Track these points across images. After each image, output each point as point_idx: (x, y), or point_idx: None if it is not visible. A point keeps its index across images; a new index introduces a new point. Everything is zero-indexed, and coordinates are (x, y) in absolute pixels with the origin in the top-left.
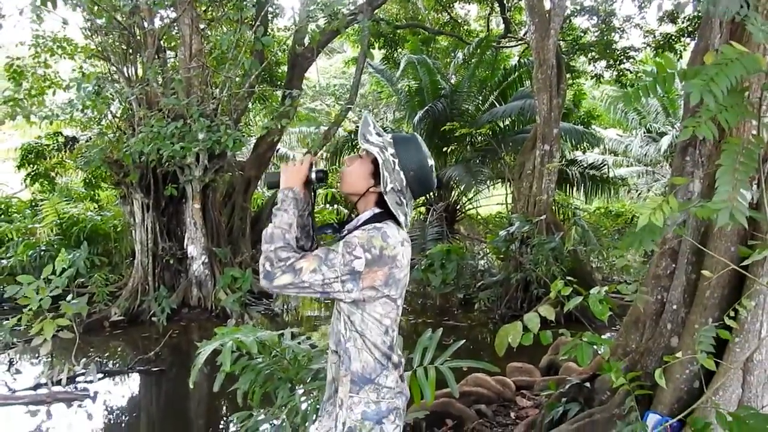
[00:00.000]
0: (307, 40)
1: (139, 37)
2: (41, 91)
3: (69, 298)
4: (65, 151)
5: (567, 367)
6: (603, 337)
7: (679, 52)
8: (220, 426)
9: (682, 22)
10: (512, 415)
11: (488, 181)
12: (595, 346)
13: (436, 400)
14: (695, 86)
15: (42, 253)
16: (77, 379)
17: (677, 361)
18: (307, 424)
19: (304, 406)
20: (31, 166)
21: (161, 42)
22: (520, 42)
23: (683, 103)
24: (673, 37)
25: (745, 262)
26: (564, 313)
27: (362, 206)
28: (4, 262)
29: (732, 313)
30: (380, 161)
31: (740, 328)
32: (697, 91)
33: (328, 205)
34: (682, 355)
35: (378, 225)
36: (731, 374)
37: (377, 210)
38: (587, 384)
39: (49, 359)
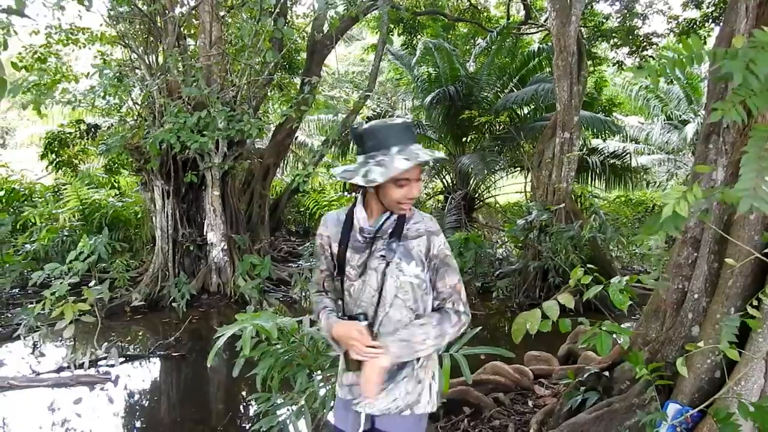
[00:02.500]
0: (326, 28)
1: (159, 25)
2: (54, 81)
3: (91, 283)
4: (87, 139)
5: (586, 356)
6: (623, 326)
7: (703, 38)
8: (240, 410)
9: (707, 7)
10: (530, 403)
11: (507, 170)
12: (614, 336)
13: (453, 388)
14: (736, 68)
15: (64, 238)
16: (99, 363)
17: (698, 351)
18: (325, 409)
19: (322, 392)
20: (54, 154)
21: (182, 29)
22: (540, 28)
23: (707, 90)
24: (698, 23)
25: None
26: (583, 302)
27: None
28: (28, 246)
29: (755, 303)
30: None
31: (763, 318)
32: (739, 72)
33: (345, 193)
34: (703, 344)
35: (420, 212)
36: (754, 364)
37: None
38: (606, 373)
39: (72, 343)
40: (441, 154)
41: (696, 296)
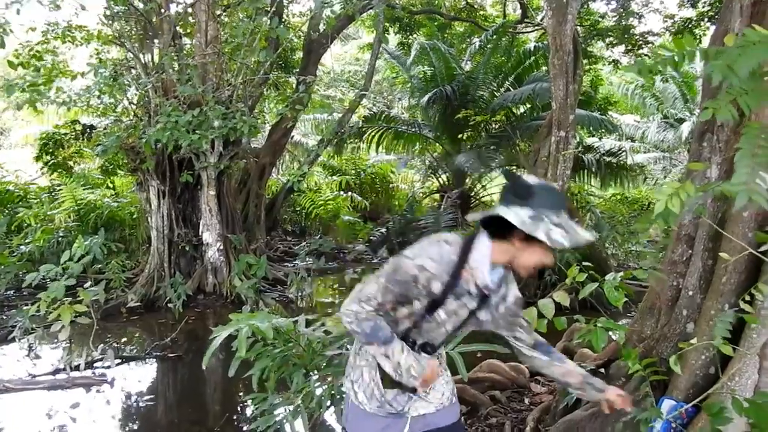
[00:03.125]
0: (322, 27)
1: (155, 24)
2: (49, 79)
3: (87, 284)
4: (83, 140)
5: (581, 353)
6: (618, 323)
7: (698, 37)
8: (237, 411)
9: (703, 6)
10: (526, 401)
11: (503, 168)
12: (609, 332)
13: None
14: (717, 67)
15: (60, 239)
16: (95, 364)
17: (693, 347)
18: (321, 409)
19: (318, 391)
20: (49, 155)
21: (177, 28)
22: (537, 27)
23: (702, 88)
24: (693, 22)
25: (763, 248)
26: (579, 300)
27: None
28: (23, 248)
29: (748, 298)
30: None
31: (757, 314)
32: (719, 71)
33: (342, 192)
34: (697, 341)
35: None
36: (747, 360)
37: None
38: (602, 370)
39: (68, 345)
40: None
41: (690, 293)
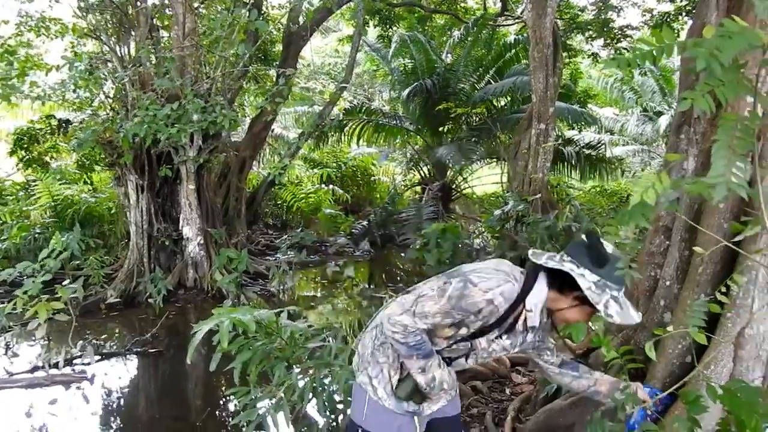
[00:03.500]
0: (301, 19)
1: (131, 16)
2: (23, 73)
3: (65, 281)
4: (59, 135)
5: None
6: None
7: (676, 31)
8: (219, 405)
9: (680, 0)
10: (507, 391)
11: (483, 161)
12: (589, 323)
13: None
14: (700, 54)
15: (36, 235)
16: (75, 361)
17: (669, 336)
18: (304, 402)
19: (301, 384)
20: (24, 150)
21: (154, 21)
22: (517, 20)
23: (679, 81)
24: (671, 16)
25: (737, 238)
26: None
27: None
28: None
29: (724, 289)
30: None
31: (732, 304)
32: (703, 58)
33: (323, 185)
34: (674, 330)
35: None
36: (723, 348)
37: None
38: (581, 360)
39: (46, 342)
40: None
41: (668, 283)
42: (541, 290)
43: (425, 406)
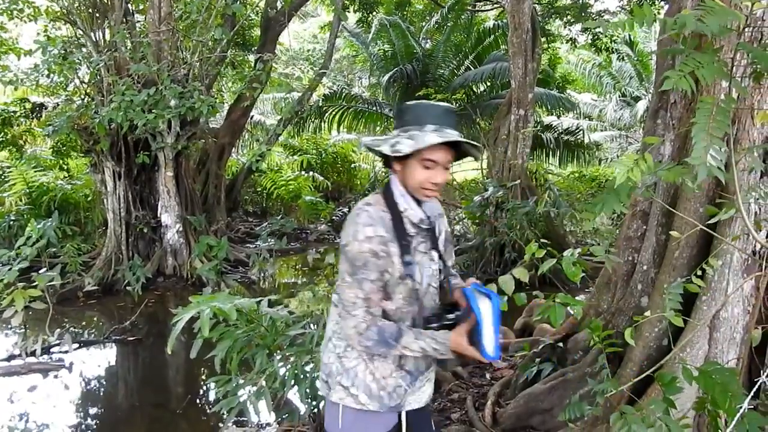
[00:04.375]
0: (279, 4)
1: (106, 0)
2: None
3: (42, 269)
4: (33, 119)
5: (541, 329)
6: (576, 298)
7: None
8: (200, 393)
9: None
10: (487, 376)
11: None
12: (568, 308)
13: None
14: (688, 19)
15: (11, 223)
16: (52, 349)
17: (646, 320)
18: (285, 389)
19: (282, 371)
20: None
21: (129, 5)
22: (495, 5)
23: (656, 66)
24: (648, 1)
25: (712, 221)
26: (538, 276)
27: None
28: None
29: (699, 272)
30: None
31: (707, 287)
32: (691, 23)
33: (303, 172)
34: (651, 314)
35: None
36: (698, 331)
37: None
38: (560, 344)
39: (23, 330)
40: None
41: (645, 268)
42: (394, 184)
43: (406, 399)
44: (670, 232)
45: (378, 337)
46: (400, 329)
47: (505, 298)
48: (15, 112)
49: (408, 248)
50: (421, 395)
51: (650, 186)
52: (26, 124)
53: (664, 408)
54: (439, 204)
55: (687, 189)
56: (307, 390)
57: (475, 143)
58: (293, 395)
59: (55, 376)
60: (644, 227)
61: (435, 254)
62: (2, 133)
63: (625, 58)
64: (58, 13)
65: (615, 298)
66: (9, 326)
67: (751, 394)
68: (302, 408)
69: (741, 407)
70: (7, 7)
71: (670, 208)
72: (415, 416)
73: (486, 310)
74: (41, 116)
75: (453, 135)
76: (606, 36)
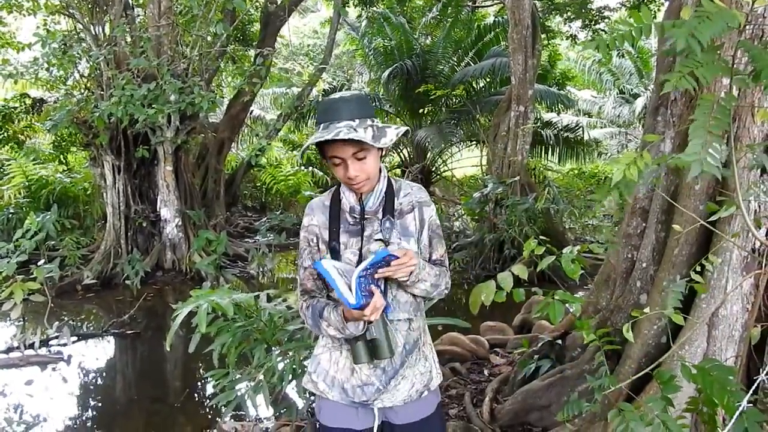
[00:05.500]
0: None
1: None
2: None
3: (40, 262)
4: (33, 114)
5: (539, 326)
6: (575, 295)
7: (653, 12)
8: (197, 386)
9: None
10: (486, 372)
11: (463, 143)
12: (566, 305)
13: None
14: (680, 34)
15: (10, 216)
16: (51, 342)
17: (645, 317)
18: (283, 383)
19: (280, 366)
20: None
21: None
22: (496, 2)
23: (656, 63)
24: None
25: (712, 218)
26: (537, 273)
27: (375, 182)
28: None
29: (698, 269)
30: (388, 142)
31: (706, 284)
32: (683, 38)
33: (302, 167)
34: (650, 311)
35: (408, 181)
36: (697, 329)
37: (384, 172)
38: (559, 341)
39: (22, 323)
40: (362, 136)
41: (644, 265)
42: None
43: (376, 397)
44: (673, 226)
45: (312, 320)
46: (326, 305)
47: (504, 293)
48: (15, 108)
49: (336, 234)
50: (395, 393)
51: (653, 180)
52: (27, 119)
53: (662, 406)
54: (421, 194)
55: (687, 186)
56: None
57: (360, 137)
58: (291, 390)
59: (54, 369)
60: (644, 225)
61: (405, 245)
62: (3, 130)
63: (625, 54)
64: (58, 7)
65: (614, 295)
66: (8, 319)
67: (750, 391)
68: (300, 403)
69: (740, 405)
70: (7, 1)
71: (673, 202)
72: (418, 428)
73: (328, 266)
74: (41, 111)
75: (334, 131)
76: (606, 33)
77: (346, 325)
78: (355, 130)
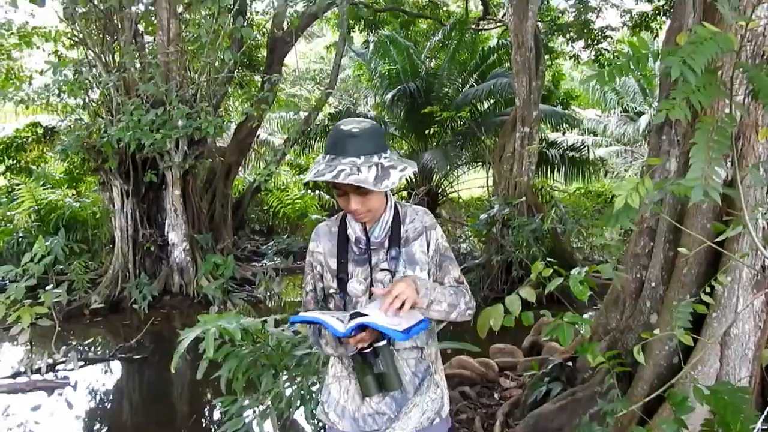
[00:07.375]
0: (286, 25)
1: (116, 22)
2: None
3: (49, 286)
4: (44, 143)
5: (549, 347)
6: (584, 316)
7: (655, 31)
8: (205, 412)
9: (658, 1)
10: (496, 395)
11: (469, 164)
12: (576, 326)
13: None
14: (674, 63)
15: (20, 240)
16: (57, 367)
17: (656, 338)
18: (291, 409)
19: (288, 392)
20: (11, 159)
21: (139, 26)
22: (498, 24)
23: (659, 84)
24: (650, 16)
25: (720, 238)
26: (545, 294)
27: (380, 213)
28: None
29: (708, 289)
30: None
31: (717, 304)
32: (677, 67)
33: (309, 191)
34: (660, 331)
35: (414, 206)
36: (709, 349)
37: (391, 201)
38: (569, 363)
39: (29, 347)
40: (363, 177)
41: (653, 285)
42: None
43: (387, 426)
44: (679, 249)
45: (312, 334)
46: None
47: (512, 317)
48: (27, 137)
49: (344, 266)
50: (407, 421)
51: (657, 202)
52: (38, 148)
53: (675, 428)
54: (427, 218)
55: (693, 206)
56: (313, 411)
57: (362, 180)
58: (299, 416)
59: (60, 394)
60: (651, 244)
61: (411, 274)
62: (15, 160)
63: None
64: (68, 34)
65: (624, 316)
66: (15, 343)
67: (765, 414)
68: (309, 429)
69: (755, 428)
70: (19, 38)
71: (678, 225)
72: None
73: (310, 314)
74: (53, 140)
75: (336, 170)
76: (609, 52)
77: (339, 345)
78: (358, 169)
